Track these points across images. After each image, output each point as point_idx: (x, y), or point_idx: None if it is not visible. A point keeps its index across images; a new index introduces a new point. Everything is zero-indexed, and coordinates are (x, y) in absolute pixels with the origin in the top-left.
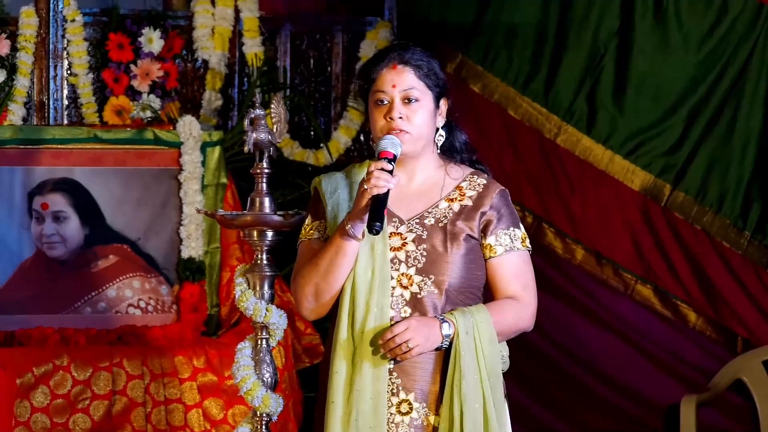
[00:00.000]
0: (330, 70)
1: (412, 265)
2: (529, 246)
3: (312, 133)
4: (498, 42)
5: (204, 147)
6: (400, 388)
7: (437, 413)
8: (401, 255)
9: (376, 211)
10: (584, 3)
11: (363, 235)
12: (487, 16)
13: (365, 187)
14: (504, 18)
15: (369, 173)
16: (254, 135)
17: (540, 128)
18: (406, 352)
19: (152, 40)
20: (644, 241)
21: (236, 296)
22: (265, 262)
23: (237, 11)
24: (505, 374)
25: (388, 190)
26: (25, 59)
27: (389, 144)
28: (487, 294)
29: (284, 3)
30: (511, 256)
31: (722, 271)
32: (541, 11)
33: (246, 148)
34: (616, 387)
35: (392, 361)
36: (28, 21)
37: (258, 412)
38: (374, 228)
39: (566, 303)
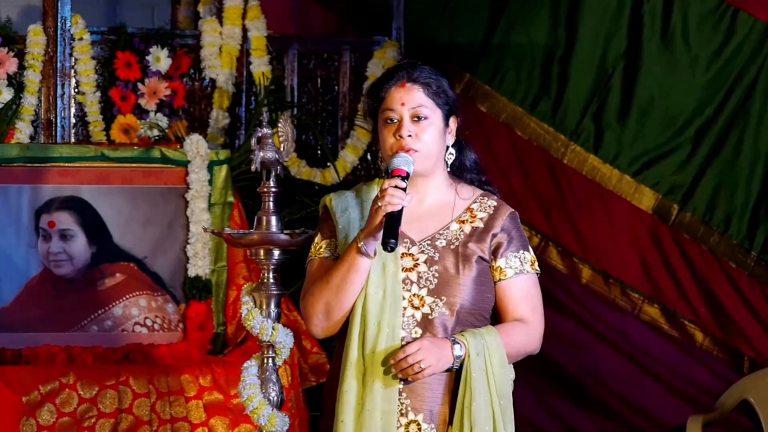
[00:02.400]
0: (337, 89)
1: (424, 286)
2: (538, 269)
3: (319, 151)
4: (506, 62)
5: (211, 166)
6: (409, 408)
7: None
8: (413, 276)
9: (391, 228)
10: (592, 24)
11: (375, 254)
12: (496, 37)
13: (379, 204)
14: (512, 38)
15: (383, 191)
16: (261, 154)
17: (547, 148)
18: (418, 373)
19: (160, 59)
20: (652, 260)
21: (243, 315)
22: (271, 280)
23: (245, 30)
24: (515, 388)
25: (402, 208)
26: (32, 77)
27: (402, 162)
28: (494, 316)
29: (292, 22)
30: (520, 279)
31: (729, 291)
32: (549, 32)
33: (253, 167)
34: (623, 405)
35: (402, 382)
36: (35, 39)
37: (264, 431)
38: (389, 245)
39: (573, 322)
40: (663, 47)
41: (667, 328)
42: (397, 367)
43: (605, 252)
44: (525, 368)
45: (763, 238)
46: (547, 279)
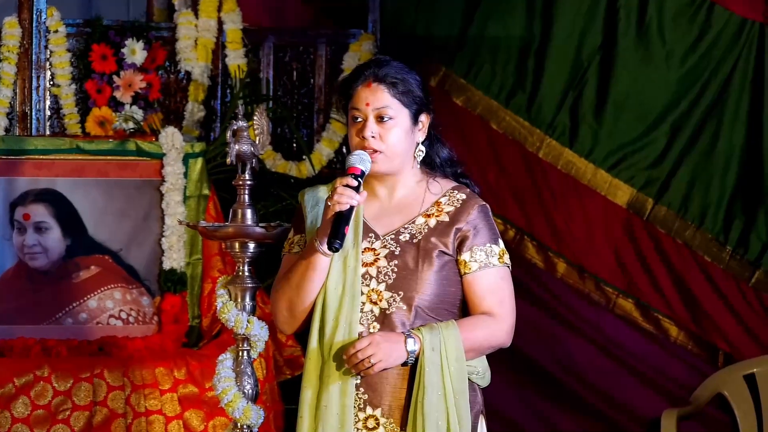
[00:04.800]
0: (313, 82)
1: (383, 281)
2: (508, 262)
3: (294, 144)
4: (482, 55)
5: (186, 158)
6: (367, 403)
7: (404, 429)
8: (372, 271)
9: (337, 228)
10: (568, 18)
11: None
12: (472, 30)
13: (328, 203)
14: (488, 32)
15: (334, 189)
16: (237, 146)
17: (522, 141)
18: (368, 368)
19: (135, 52)
20: (626, 254)
21: (218, 308)
22: (246, 273)
23: (220, 23)
24: (491, 384)
25: (352, 207)
26: (7, 70)
27: (357, 160)
28: (466, 311)
29: (268, 15)
30: (486, 272)
31: (704, 285)
32: (525, 26)
33: (228, 160)
34: (599, 399)
35: (358, 376)
36: (11, 31)
37: (239, 424)
38: (333, 245)
39: (548, 316)
40: (638, 41)
41: (642, 323)
42: (348, 362)
43: (580, 246)
44: (501, 363)
45: (738, 232)
46: (523, 273)
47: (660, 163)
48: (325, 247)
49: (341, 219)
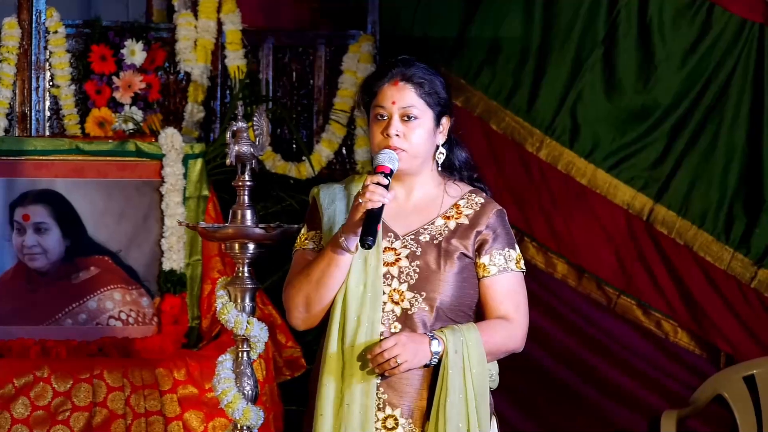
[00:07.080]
0: (312, 83)
1: (405, 281)
2: (524, 267)
3: (294, 145)
4: (481, 56)
5: (186, 159)
6: (387, 403)
7: (423, 430)
8: (394, 270)
9: (370, 225)
10: (568, 18)
11: (356, 248)
12: (471, 31)
13: (360, 200)
14: (487, 32)
15: (364, 187)
16: (236, 147)
17: (522, 142)
18: (394, 368)
19: (135, 52)
20: (627, 255)
21: (217, 309)
22: (246, 274)
23: (220, 24)
24: (494, 388)
25: (383, 205)
26: (7, 70)
27: (386, 159)
28: (480, 313)
29: (267, 16)
30: (504, 276)
31: (705, 286)
32: (525, 26)
33: (228, 161)
34: (600, 399)
35: (380, 376)
36: (10, 32)
37: (238, 425)
38: (366, 242)
39: (548, 316)
40: (639, 42)
41: (643, 323)
42: (373, 362)
43: (580, 246)
44: (502, 361)
45: (739, 232)
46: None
47: (660, 164)
48: (354, 245)
49: (373, 217)
